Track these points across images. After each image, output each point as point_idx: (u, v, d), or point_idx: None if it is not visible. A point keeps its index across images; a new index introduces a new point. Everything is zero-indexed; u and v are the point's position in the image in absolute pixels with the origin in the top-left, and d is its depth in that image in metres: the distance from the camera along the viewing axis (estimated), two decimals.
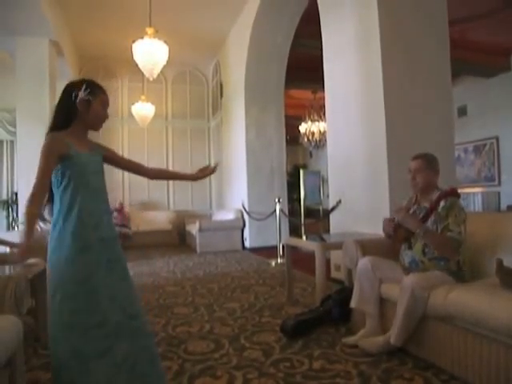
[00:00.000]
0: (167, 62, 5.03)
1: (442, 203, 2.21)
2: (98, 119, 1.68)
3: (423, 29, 3.58)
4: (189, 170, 8.95)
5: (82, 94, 1.59)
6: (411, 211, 2.36)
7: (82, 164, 1.58)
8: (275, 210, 5.68)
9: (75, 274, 1.50)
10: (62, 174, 1.55)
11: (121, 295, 1.59)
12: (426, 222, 2.24)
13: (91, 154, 1.66)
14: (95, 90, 1.64)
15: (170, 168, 8.74)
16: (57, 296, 1.50)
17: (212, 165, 2.03)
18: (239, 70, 6.95)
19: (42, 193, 1.54)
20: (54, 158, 1.53)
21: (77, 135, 1.62)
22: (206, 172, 2.02)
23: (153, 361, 1.61)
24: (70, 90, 1.61)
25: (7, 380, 1.49)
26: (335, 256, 3.89)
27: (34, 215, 1.53)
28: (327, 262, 3.34)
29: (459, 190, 2.35)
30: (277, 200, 5.68)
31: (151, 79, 5.17)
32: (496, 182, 8.05)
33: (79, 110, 1.60)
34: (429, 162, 2.29)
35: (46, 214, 1.67)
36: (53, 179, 1.57)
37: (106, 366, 1.47)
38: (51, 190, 1.60)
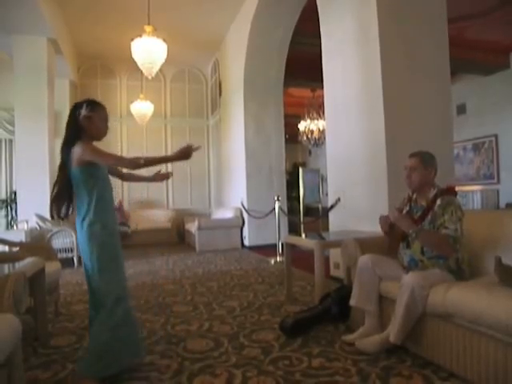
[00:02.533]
0: (166, 60, 5.02)
1: (438, 201, 2.21)
2: (100, 132, 2.00)
3: (422, 27, 3.58)
4: (188, 168, 8.87)
5: (84, 112, 1.91)
6: (404, 211, 2.37)
7: (102, 167, 1.97)
8: (274, 209, 5.69)
9: (109, 254, 1.92)
10: (90, 174, 1.90)
11: None
12: (424, 220, 2.23)
13: None
14: (95, 107, 1.97)
15: (169, 166, 8.73)
16: (100, 272, 1.90)
17: (169, 170, 2.36)
18: (238, 68, 6.94)
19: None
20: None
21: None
22: (162, 176, 2.32)
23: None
24: (75, 109, 1.94)
25: (5, 379, 1.49)
26: (334, 254, 3.90)
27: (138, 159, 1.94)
28: (326, 260, 3.35)
29: (458, 188, 2.34)
30: (276, 198, 5.68)
31: (150, 77, 5.16)
32: (495, 180, 8.06)
33: (83, 125, 1.92)
34: (425, 161, 2.28)
35: (63, 210, 1.98)
36: (79, 178, 1.90)
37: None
38: (70, 190, 1.95)
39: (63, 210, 1.97)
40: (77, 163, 1.87)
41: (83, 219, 1.91)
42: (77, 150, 1.86)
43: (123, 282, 1.99)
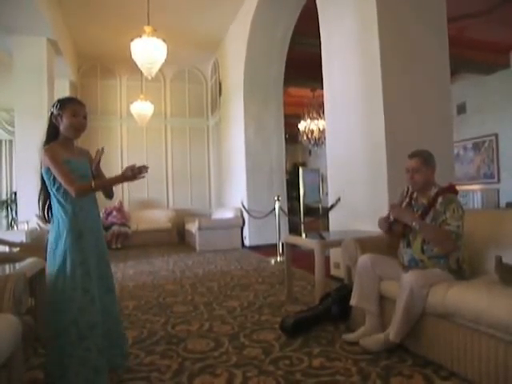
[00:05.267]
0: (166, 60, 5.02)
1: (439, 199, 2.21)
2: (72, 128, 1.88)
3: (422, 26, 3.57)
4: (187, 168, 8.89)
5: (54, 111, 1.88)
6: (404, 204, 2.37)
7: (71, 168, 1.83)
8: (274, 208, 5.68)
9: (74, 258, 1.79)
10: (55, 176, 1.80)
11: (103, 273, 1.94)
12: (425, 218, 2.23)
13: (79, 160, 1.92)
14: (64, 104, 1.89)
15: (170, 166, 8.77)
16: (60, 277, 1.78)
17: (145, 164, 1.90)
18: (238, 68, 6.93)
19: (74, 181, 1.79)
20: (60, 160, 1.79)
21: (63, 144, 1.89)
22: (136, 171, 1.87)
23: (119, 323, 2.05)
24: (50, 111, 1.91)
25: (6, 379, 1.49)
26: (335, 254, 3.90)
27: (90, 185, 1.83)
28: (327, 260, 3.34)
29: (458, 188, 2.34)
30: (276, 198, 5.68)
31: (150, 78, 5.15)
32: (495, 180, 8.05)
33: (57, 124, 1.88)
34: (426, 160, 2.28)
35: (45, 213, 1.93)
36: (47, 181, 1.83)
37: (94, 336, 1.78)
38: (48, 192, 1.87)
39: (46, 214, 1.94)
40: (43, 164, 1.84)
41: (52, 222, 1.88)
42: (43, 152, 1.82)
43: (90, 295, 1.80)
